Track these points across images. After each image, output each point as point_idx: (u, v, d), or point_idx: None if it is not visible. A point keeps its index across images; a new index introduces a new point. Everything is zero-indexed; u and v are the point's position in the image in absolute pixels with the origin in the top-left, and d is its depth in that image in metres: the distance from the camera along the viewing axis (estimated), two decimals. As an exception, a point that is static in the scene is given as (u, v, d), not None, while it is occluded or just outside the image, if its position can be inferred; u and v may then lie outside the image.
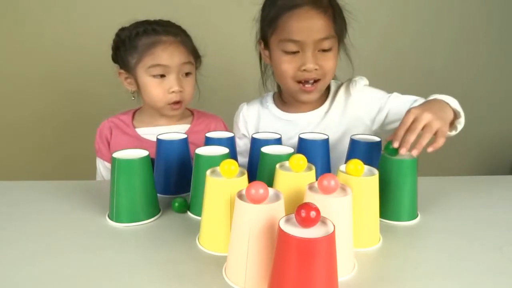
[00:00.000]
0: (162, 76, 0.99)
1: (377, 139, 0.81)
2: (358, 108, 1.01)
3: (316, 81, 0.94)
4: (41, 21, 1.72)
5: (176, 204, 0.72)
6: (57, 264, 0.56)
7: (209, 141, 0.82)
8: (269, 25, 0.93)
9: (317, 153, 0.80)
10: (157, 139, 0.81)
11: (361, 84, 1.05)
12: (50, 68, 1.76)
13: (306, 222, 0.44)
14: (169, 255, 0.59)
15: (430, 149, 0.70)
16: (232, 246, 0.52)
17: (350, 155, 0.81)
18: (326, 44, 0.91)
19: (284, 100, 1.06)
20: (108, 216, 0.70)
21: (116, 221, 0.68)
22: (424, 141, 0.70)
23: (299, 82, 0.94)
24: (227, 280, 0.52)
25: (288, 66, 0.92)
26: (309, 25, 0.89)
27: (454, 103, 0.80)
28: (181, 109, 1.05)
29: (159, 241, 0.63)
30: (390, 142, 0.70)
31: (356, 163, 0.60)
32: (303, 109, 1.03)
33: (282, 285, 0.44)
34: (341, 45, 0.97)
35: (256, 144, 0.82)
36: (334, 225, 0.44)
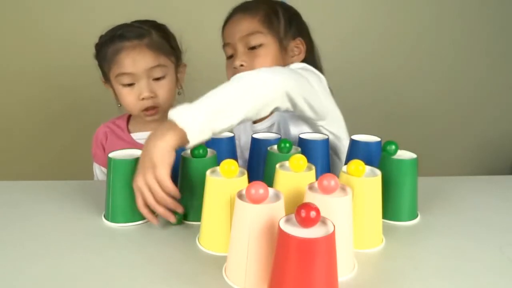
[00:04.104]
0: (132, 84, 0.95)
1: (377, 139, 0.81)
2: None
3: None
4: (40, 21, 1.72)
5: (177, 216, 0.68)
6: (54, 264, 0.56)
7: (208, 141, 0.81)
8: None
9: (317, 153, 0.80)
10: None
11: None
12: (50, 68, 1.76)
13: (306, 222, 0.44)
14: (169, 255, 0.59)
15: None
16: (232, 246, 0.52)
17: (350, 155, 0.81)
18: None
19: None
20: (104, 216, 0.70)
21: (112, 221, 0.68)
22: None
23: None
24: (227, 280, 0.52)
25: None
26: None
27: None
28: (158, 114, 1.00)
29: (158, 241, 0.63)
30: (390, 142, 0.70)
31: (357, 163, 0.60)
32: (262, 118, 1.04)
33: (282, 285, 0.44)
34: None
35: (256, 144, 0.82)
36: (334, 225, 0.44)
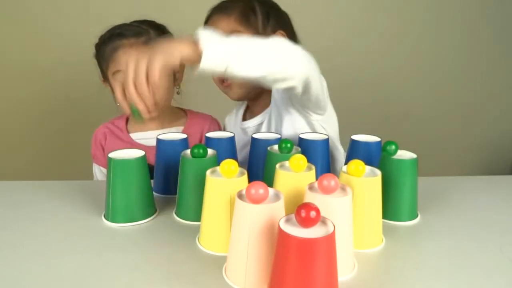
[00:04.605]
0: None
1: (377, 139, 0.81)
2: (280, 103, 0.99)
3: None
4: (40, 23, 1.72)
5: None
6: (53, 264, 0.56)
7: (209, 141, 0.82)
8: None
9: (317, 153, 0.80)
10: (157, 139, 0.81)
11: None
12: (49, 69, 1.76)
13: (306, 222, 0.44)
14: (169, 255, 0.59)
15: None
16: (232, 246, 0.52)
17: (350, 155, 0.81)
18: None
19: (246, 108, 1.12)
20: (104, 216, 0.70)
21: (112, 221, 0.68)
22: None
23: None
24: (227, 280, 0.52)
25: None
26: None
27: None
28: (154, 113, 1.02)
29: (158, 241, 0.63)
30: (390, 142, 0.70)
31: (357, 163, 0.60)
32: (254, 115, 1.06)
33: (282, 285, 0.44)
34: None
35: (256, 144, 0.82)
36: (334, 225, 0.44)
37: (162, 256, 0.58)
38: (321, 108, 0.87)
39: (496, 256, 0.60)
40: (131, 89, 0.63)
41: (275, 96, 0.97)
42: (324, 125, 0.91)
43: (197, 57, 0.63)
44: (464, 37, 1.97)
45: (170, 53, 0.62)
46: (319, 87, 0.80)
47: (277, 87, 0.73)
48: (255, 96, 1.04)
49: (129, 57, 0.63)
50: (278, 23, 1.01)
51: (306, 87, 0.76)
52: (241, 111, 1.12)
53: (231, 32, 0.94)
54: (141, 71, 0.61)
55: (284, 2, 1.05)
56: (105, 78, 1.02)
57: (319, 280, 0.43)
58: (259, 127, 1.03)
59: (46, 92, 1.80)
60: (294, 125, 0.92)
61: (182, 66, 1.08)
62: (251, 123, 1.05)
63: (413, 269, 0.56)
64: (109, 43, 0.97)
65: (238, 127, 1.09)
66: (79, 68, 1.70)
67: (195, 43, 0.63)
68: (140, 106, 0.65)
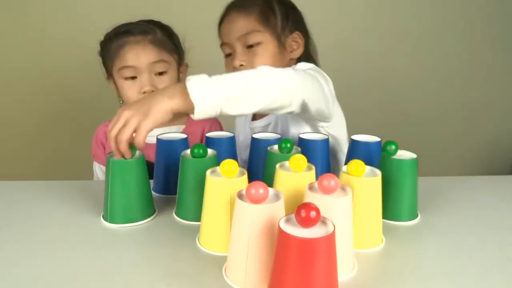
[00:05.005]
0: (134, 77, 0.97)
1: (377, 139, 0.81)
2: None
3: None
4: (40, 24, 1.72)
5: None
6: (53, 264, 0.56)
7: (209, 141, 0.82)
8: None
9: (317, 153, 0.80)
10: (157, 139, 0.81)
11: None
12: (49, 69, 1.76)
13: (306, 222, 0.44)
14: (169, 255, 0.59)
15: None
16: (232, 246, 0.52)
17: (350, 155, 0.81)
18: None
19: None
20: (103, 217, 0.70)
21: (111, 222, 0.68)
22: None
23: None
24: (227, 280, 0.52)
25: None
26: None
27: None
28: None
29: (157, 241, 0.63)
30: (390, 142, 0.70)
31: (357, 163, 0.60)
32: (262, 115, 1.05)
33: (282, 285, 0.44)
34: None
35: (256, 144, 0.82)
36: (334, 225, 0.44)
37: (162, 256, 0.58)
38: (325, 117, 0.87)
39: (496, 255, 0.60)
40: (112, 144, 0.65)
41: None
42: (331, 131, 0.91)
43: (190, 107, 0.64)
44: (464, 37, 1.97)
45: (164, 113, 0.64)
46: (321, 101, 0.80)
47: (274, 113, 0.74)
48: None
49: (123, 111, 0.64)
50: (295, 24, 1.01)
51: (304, 108, 0.76)
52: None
53: (250, 32, 0.94)
54: (130, 125, 0.63)
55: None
56: (110, 75, 1.02)
57: (319, 280, 0.43)
58: (266, 128, 1.03)
59: (47, 93, 1.80)
60: (301, 128, 0.92)
61: (185, 67, 1.08)
62: (259, 123, 1.05)
63: (413, 269, 0.56)
64: (115, 40, 0.98)
65: (247, 126, 1.09)
66: (79, 68, 1.70)
67: (184, 95, 0.64)
68: (117, 156, 0.67)
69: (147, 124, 0.63)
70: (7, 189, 0.84)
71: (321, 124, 0.90)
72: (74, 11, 1.72)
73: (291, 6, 1.03)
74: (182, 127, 1.08)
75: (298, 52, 1.01)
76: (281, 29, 0.98)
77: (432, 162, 1.70)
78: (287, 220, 0.46)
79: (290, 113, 0.75)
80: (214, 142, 0.81)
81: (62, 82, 1.78)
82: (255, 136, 0.83)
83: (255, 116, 1.10)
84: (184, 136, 0.83)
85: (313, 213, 0.44)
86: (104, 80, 1.08)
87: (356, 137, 0.82)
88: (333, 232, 0.43)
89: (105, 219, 0.69)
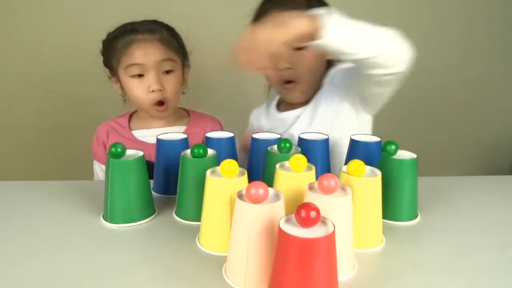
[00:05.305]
0: (141, 75, 0.97)
1: (377, 139, 0.81)
2: (334, 93, 1.00)
3: None
4: (40, 23, 1.72)
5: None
6: (53, 264, 0.56)
7: (209, 141, 0.82)
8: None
9: (317, 153, 0.80)
10: (157, 139, 0.81)
11: (334, 70, 1.04)
12: (49, 69, 1.76)
13: (306, 222, 0.44)
14: (169, 255, 0.59)
15: None
16: (232, 246, 0.52)
17: (350, 155, 0.81)
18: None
19: (280, 101, 1.11)
20: (103, 217, 0.70)
21: (111, 222, 0.68)
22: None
23: None
24: (227, 280, 0.52)
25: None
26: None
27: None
28: (168, 111, 1.02)
29: (157, 241, 0.63)
30: (390, 142, 0.70)
31: (357, 163, 0.60)
32: (292, 107, 1.05)
33: (282, 285, 0.44)
34: None
35: (255, 144, 0.82)
36: (334, 225, 0.44)
37: (162, 256, 0.58)
38: (377, 105, 0.89)
39: (496, 255, 0.60)
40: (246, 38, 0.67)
41: (331, 90, 0.98)
42: (362, 129, 0.94)
43: (314, 33, 0.66)
44: (464, 37, 1.97)
45: (291, 28, 0.66)
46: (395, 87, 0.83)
47: (370, 72, 0.76)
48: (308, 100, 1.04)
49: (252, 27, 0.67)
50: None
51: (396, 81, 0.80)
52: (274, 103, 1.12)
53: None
54: (267, 42, 0.65)
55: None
56: (114, 73, 1.02)
57: (319, 280, 0.43)
58: (297, 119, 1.02)
59: (47, 93, 1.80)
60: (345, 123, 0.94)
61: (187, 68, 1.08)
62: (291, 114, 1.04)
63: (413, 269, 0.56)
64: (121, 38, 0.97)
65: (274, 118, 1.08)
66: (79, 69, 1.70)
67: (313, 18, 0.66)
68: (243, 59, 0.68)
69: (279, 36, 0.65)
70: (7, 189, 0.84)
71: (363, 117, 0.93)
72: (74, 11, 1.72)
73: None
74: (184, 127, 1.08)
75: None
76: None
77: (432, 162, 1.69)
78: (287, 220, 0.46)
79: (386, 75, 0.78)
80: (214, 142, 0.81)
81: (62, 82, 1.77)
82: (255, 136, 0.83)
83: (280, 108, 1.09)
84: (184, 136, 0.83)
85: (313, 213, 0.44)
86: (104, 80, 1.08)
87: (356, 137, 0.82)
88: (333, 232, 0.43)
89: (105, 219, 0.69)
